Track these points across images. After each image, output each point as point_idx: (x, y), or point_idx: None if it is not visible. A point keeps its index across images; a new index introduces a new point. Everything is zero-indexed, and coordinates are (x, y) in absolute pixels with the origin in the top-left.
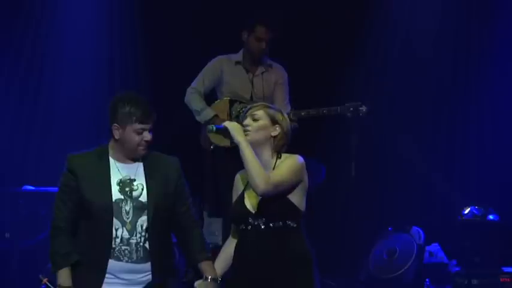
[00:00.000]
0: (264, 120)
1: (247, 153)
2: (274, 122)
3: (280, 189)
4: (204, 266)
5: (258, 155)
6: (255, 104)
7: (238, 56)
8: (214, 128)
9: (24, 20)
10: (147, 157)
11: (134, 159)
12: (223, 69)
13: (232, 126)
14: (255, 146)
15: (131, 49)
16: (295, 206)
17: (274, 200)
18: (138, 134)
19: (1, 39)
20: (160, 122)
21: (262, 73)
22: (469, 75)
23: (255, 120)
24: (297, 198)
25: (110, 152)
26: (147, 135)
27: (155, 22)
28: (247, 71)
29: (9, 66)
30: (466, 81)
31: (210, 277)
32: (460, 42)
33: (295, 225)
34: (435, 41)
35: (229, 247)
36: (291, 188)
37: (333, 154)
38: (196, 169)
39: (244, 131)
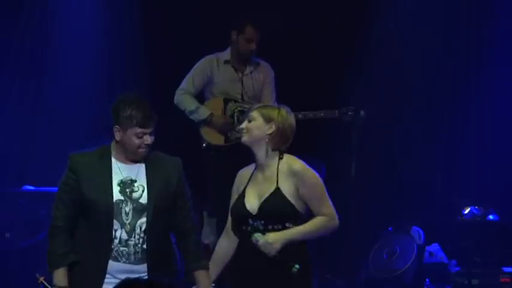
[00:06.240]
0: (258, 120)
1: (305, 234)
2: (268, 120)
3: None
4: (198, 276)
5: (253, 153)
6: (252, 108)
7: (226, 55)
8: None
9: (24, 20)
10: (149, 157)
11: (135, 161)
12: (213, 69)
13: (264, 242)
14: (250, 145)
15: (131, 49)
16: (297, 209)
17: (276, 204)
18: (139, 137)
19: (1, 39)
20: (160, 122)
21: (251, 72)
22: (469, 75)
23: (250, 121)
24: (299, 202)
25: (112, 152)
26: (148, 139)
27: (155, 22)
28: (236, 70)
29: (9, 66)
30: (466, 81)
31: None
32: (460, 42)
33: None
34: (435, 41)
35: (221, 247)
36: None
37: (333, 154)
38: (196, 169)
39: (242, 133)
